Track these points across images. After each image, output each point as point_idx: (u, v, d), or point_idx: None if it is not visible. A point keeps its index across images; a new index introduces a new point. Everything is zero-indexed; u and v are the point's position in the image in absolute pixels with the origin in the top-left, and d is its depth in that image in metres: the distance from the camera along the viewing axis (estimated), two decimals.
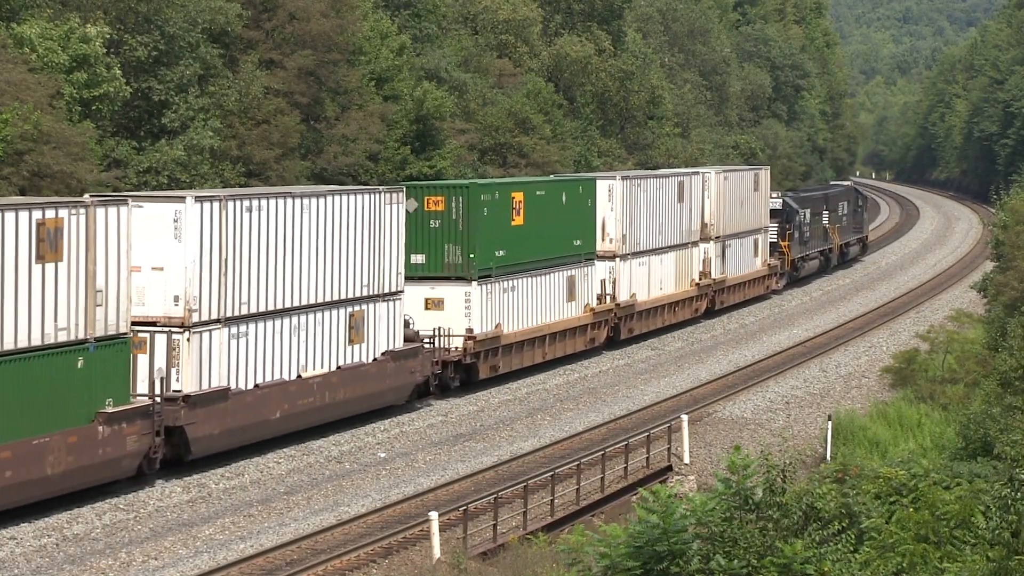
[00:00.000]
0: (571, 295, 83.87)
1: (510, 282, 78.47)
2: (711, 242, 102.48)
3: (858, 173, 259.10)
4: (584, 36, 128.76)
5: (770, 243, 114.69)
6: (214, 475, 55.94)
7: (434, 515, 46.55)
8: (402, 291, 70.66)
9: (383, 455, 59.93)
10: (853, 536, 40.99)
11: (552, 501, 50.85)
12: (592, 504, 52.45)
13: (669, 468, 57.92)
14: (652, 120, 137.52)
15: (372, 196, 69.13)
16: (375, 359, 67.01)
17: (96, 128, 70.04)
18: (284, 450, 59.62)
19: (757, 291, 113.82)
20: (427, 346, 71.51)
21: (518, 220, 79.58)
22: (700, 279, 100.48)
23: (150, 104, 75.10)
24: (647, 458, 58.02)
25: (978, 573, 34.69)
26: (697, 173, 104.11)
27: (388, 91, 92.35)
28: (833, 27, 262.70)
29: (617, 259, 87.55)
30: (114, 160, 71.29)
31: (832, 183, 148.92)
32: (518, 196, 79.84)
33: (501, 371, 77.53)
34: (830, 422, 65.99)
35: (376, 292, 68.56)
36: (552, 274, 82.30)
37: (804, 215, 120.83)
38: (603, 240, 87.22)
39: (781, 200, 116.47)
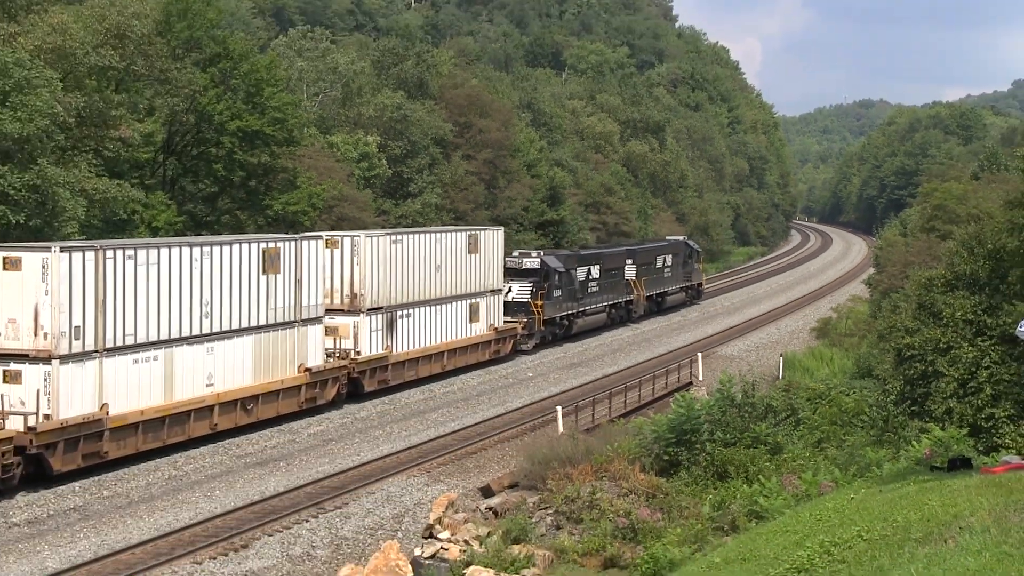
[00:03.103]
0: None
1: None
2: (362, 315, 50.73)
3: (797, 218, 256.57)
4: (643, 141, 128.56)
5: (521, 303, 65.29)
6: (440, 385, 55.20)
7: (559, 408, 46.52)
8: None
9: (531, 374, 59.32)
10: (794, 422, 41.02)
11: (625, 400, 50.67)
12: (647, 403, 52.29)
13: (691, 383, 57.73)
14: (681, 188, 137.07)
15: None
16: None
17: (372, 193, 70.87)
18: (475, 372, 58.70)
19: (476, 357, 60.38)
20: None
21: None
22: (329, 360, 48.56)
23: (401, 180, 75.68)
24: (678, 377, 57.86)
25: (865, 440, 34.66)
26: (319, 237, 48.41)
27: (534, 172, 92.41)
28: (783, 135, 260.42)
29: (56, 361, 35.50)
30: (382, 210, 71.98)
31: (667, 237, 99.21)
32: None
33: None
34: (781, 357, 65.74)
35: None
36: None
37: (576, 272, 70.39)
38: (36, 335, 35.90)
39: (539, 260, 67.15)
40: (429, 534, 33.47)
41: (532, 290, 65.05)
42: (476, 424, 47.82)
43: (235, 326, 42.18)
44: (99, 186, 46.81)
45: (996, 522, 12.98)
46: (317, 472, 38.63)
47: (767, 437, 37.13)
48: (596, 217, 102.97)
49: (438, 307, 56.07)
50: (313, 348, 46.56)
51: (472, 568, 30.70)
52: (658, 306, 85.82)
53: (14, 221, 41.91)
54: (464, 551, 32.21)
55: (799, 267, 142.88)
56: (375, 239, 51.54)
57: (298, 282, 45.27)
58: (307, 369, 45.93)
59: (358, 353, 49.93)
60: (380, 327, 51.30)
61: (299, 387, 45.76)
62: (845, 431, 38.32)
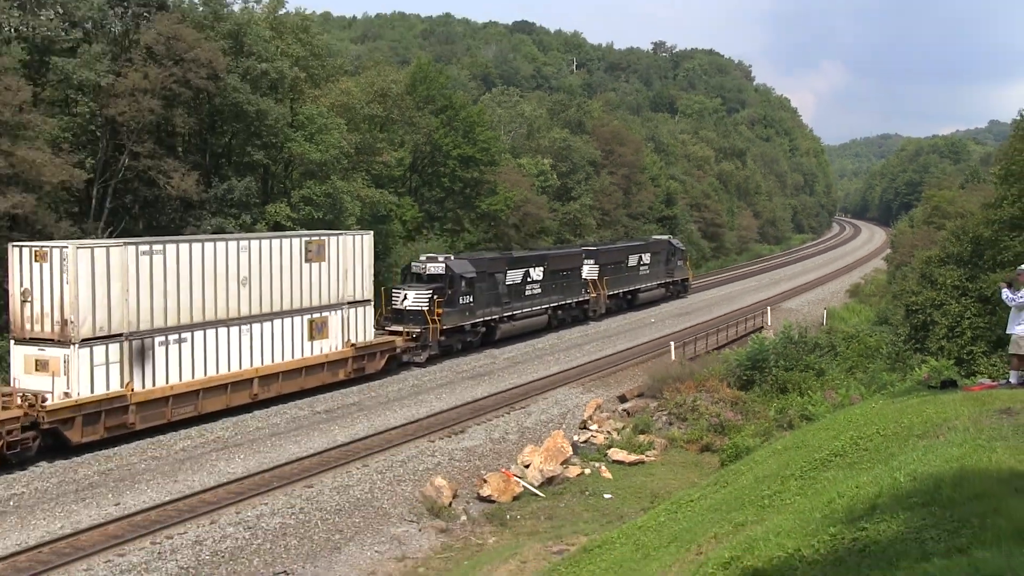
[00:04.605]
0: None
1: None
2: (74, 346, 24.55)
3: (839, 215, 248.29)
4: (730, 162, 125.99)
5: (415, 311, 39.88)
6: (560, 333, 52.82)
7: (672, 342, 46.23)
8: None
9: (652, 321, 58.02)
10: (833, 354, 40.22)
11: (717, 338, 50.08)
12: (732, 340, 51.72)
13: (762, 327, 56.91)
14: (757, 194, 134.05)
15: None
16: None
17: (546, 197, 70.72)
18: (615, 318, 57.28)
19: (321, 379, 34.09)
20: None
21: None
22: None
23: (566, 188, 75.30)
24: (753, 323, 57.01)
25: (882, 367, 33.99)
26: None
27: (656, 183, 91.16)
28: (827, 158, 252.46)
29: None
30: (552, 210, 71.95)
31: (653, 236, 71.44)
32: None
33: None
34: (825, 310, 64.22)
35: None
36: None
37: (503, 276, 45.19)
38: None
39: (444, 265, 41.39)
40: (583, 426, 33.79)
41: (431, 297, 40.50)
42: (609, 356, 46.84)
43: None
44: (369, 194, 47.90)
45: (973, 424, 12.83)
46: (509, 383, 38.90)
47: (814, 364, 36.70)
48: (698, 214, 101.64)
49: (246, 326, 31.19)
50: None
51: (612, 449, 30.99)
52: (628, 303, 61.64)
53: (316, 216, 43.32)
54: (607, 438, 32.46)
55: (838, 248, 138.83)
56: (99, 251, 26.53)
57: None
58: None
59: (66, 395, 25.83)
60: (116, 359, 26.93)
61: None
62: (869, 361, 37.63)
